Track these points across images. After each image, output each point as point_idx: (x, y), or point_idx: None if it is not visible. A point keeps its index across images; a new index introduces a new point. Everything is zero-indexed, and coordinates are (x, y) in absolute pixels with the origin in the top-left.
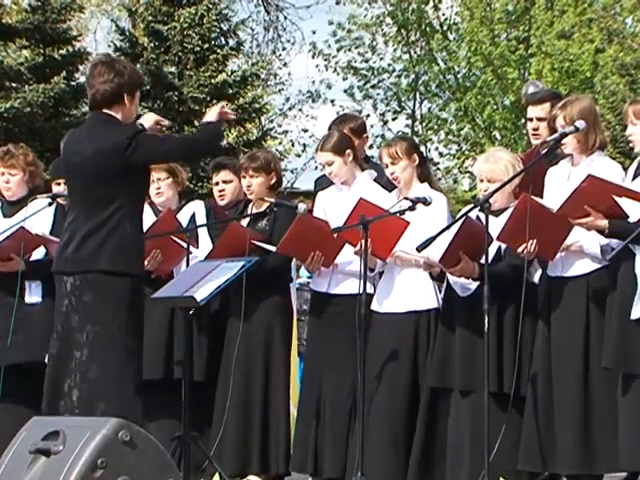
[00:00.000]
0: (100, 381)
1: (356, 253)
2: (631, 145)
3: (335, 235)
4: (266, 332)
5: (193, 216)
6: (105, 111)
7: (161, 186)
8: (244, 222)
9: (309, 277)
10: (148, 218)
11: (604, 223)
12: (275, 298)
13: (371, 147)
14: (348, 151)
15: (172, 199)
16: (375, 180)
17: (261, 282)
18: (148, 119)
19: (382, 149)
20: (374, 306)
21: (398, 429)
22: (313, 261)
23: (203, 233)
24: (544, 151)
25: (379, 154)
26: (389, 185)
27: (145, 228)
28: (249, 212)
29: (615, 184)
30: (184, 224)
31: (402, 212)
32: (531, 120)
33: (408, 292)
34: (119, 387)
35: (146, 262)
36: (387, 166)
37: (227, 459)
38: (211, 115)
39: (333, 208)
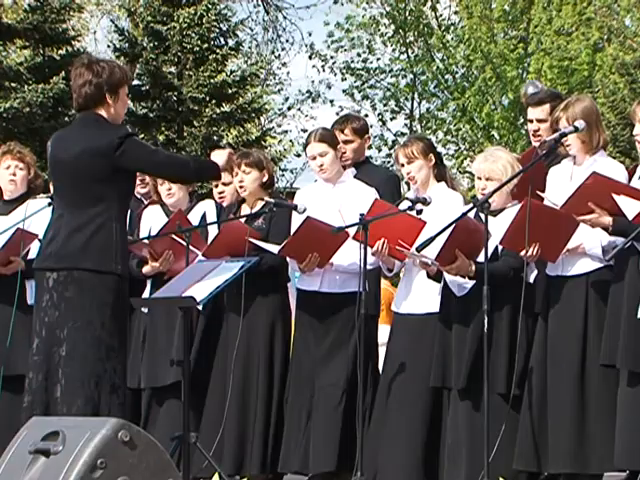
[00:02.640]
0: (78, 378)
1: (374, 254)
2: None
3: (339, 235)
4: (265, 332)
5: (204, 216)
6: (93, 111)
7: (172, 187)
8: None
9: (297, 276)
10: (160, 219)
11: (608, 220)
12: (273, 298)
13: (370, 147)
14: (339, 146)
15: (183, 199)
16: (356, 178)
17: (258, 282)
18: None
19: (398, 149)
20: (392, 307)
21: (420, 429)
22: (310, 262)
23: (213, 233)
24: (544, 152)
25: (395, 154)
26: (381, 185)
27: (157, 229)
28: (243, 212)
29: (618, 182)
30: (195, 224)
31: (420, 212)
32: (531, 121)
33: (427, 293)
34: (97, 384)
35: (158, 263)
36: (403, 166)
37: (226, 459)
38: (220, 159)
39: (317, 206)
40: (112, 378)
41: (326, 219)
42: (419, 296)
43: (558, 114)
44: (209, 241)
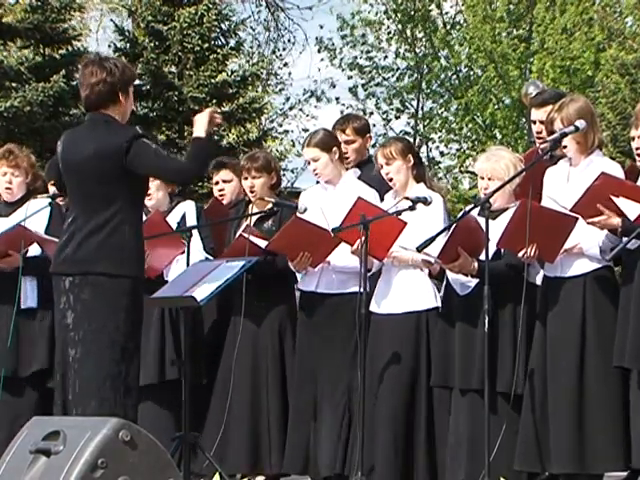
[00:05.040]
0: (92, 379)
1: (353, 253)
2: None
3: (331, 236)
4: (275, 334)
5: (184, 217)
6: (103, 111)
7: (151, 187)
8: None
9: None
10: None
11: (617, 221)
12: (282, 300)
13: (374, 146)
14: (334, 149)
15: (163, 200)
16: (361, 179)
17: (267, 284)
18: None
19: (377, 150)
20: (372, 307)
21: (400, 429)
22: (301, 261)
23: (194, 234)
24: (544, 151)
25: (374, 155)
26: (378, 184)
27: None
28: (250, 212)
29: (628, 182)
30: (174, 225)
31: (400, 212)
32: (534, 123)
33: (406, 292)
34: (111, 386)
35: None
36: (382, 167)
37: (234, 460)
38: (200, 127)
39: (318, 207)
40: (127, 379)
41: (320, 220)
42: (398, 296)
43: (552, 115)
44: (193, 241)
